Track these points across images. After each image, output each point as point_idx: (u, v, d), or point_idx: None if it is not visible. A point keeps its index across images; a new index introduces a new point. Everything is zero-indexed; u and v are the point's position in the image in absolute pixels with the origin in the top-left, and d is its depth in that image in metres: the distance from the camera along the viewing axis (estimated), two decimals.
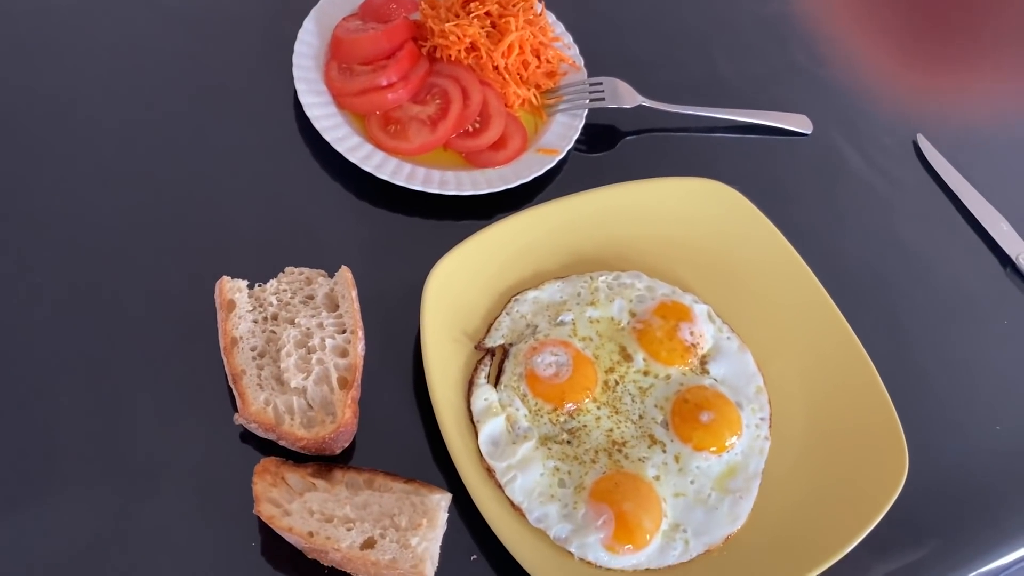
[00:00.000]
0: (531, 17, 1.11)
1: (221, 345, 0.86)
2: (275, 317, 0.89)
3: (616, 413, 0.90)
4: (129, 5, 1.12)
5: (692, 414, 0.89)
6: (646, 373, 0.92)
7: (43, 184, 0.96)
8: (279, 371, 0.85)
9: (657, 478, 0.86)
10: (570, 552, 0.81)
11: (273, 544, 0.79)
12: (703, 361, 0.95)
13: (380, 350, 0.90)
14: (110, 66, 1.06)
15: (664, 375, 0.93)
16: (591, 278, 0.98)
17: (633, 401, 0.91)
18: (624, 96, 1.14)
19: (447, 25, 1.07)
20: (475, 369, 0.90)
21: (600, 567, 0.82)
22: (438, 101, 1.06)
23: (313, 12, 1.12)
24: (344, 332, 0.87)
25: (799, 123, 1.23)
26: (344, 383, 0.84)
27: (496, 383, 0.90)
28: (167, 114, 1.04)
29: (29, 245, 0.91)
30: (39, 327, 0.87)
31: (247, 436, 0.84)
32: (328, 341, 0.86)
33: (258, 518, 0.76)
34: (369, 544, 0.76)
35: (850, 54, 1.37)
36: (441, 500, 0.79)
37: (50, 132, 0.99)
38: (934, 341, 1.08)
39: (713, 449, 0.88)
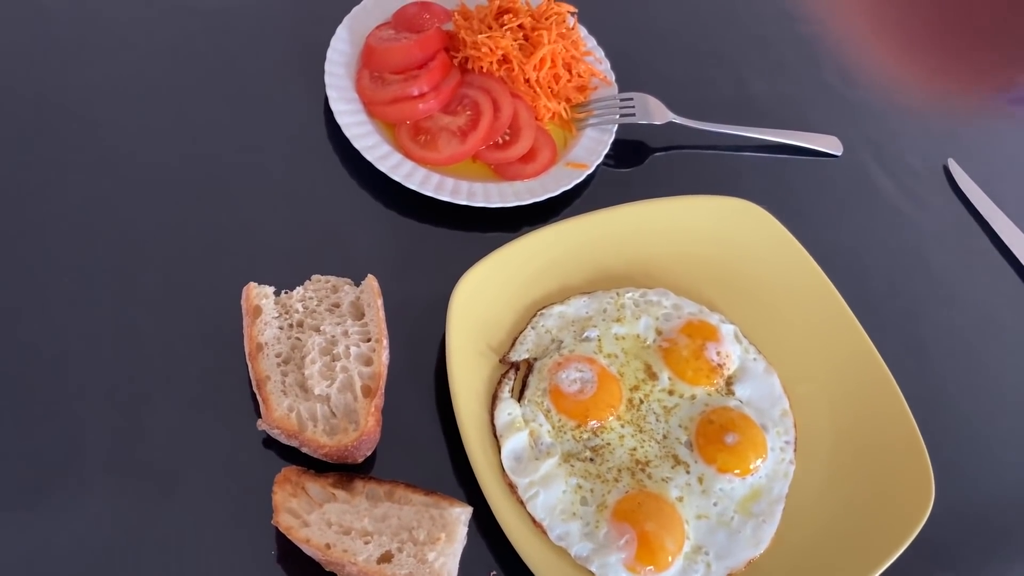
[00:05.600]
0: (563, 31, 1.11)
1: (246, 351, 0.86)
2: (300, 324, 0.88)
3: (640, 432, 0.89)
4: (161, 8, 1.13)
5: (717, 435, 0.88)
6: (671, 392, 0.92)
7: (71, 188, 0.96)
8: (303, 378, 0.84)
9: (680, 499, 0.85)
10: (591, 571, 0.81)
11: (291, 554, 0.78)
12: (729, 382, 0.94)
13: (404, 360, 0.90)
14: (140, 69, 1.07)
15: (689, 395, 0.92)
16: (617, 294, 0.97)
17: (657, 420, 0.90)
18: (654, 112, 1.14)
19: (480, 37, 1.08)
20: (499, 383, 0.90)
21: None
22: (468, 112, 1.06)
23: (346, 20, 1.12)
24: (369, 341, 0.87)
25: (829, 144, 1.23)
26: (368, 391, 0.84)
27: (520, 398, 0.90)
28: (197, 119, 1.04)
29: (57, 248, 0.92)
30: (66, 330, 0.87)
31: (270, 442, 0.84)
32: (353, 349, 0.86)
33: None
34: (386, 558, 0.76)
35: (882, 76, 1.37)
36: (461, 514, 0.79)
37: (79, 136, 1.00)
38: (962, 368, 1.06)
39: (737, 471, 0.87)
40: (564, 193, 1.04)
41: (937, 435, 0.92)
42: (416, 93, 1.05)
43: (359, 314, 0.90)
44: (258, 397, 0.83)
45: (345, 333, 0.87)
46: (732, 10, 1.38)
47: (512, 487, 0.84)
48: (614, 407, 0.89)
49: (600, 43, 1.19)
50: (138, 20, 1.11)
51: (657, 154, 1.16)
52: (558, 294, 0.97)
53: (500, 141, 1.07)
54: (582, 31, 1.18)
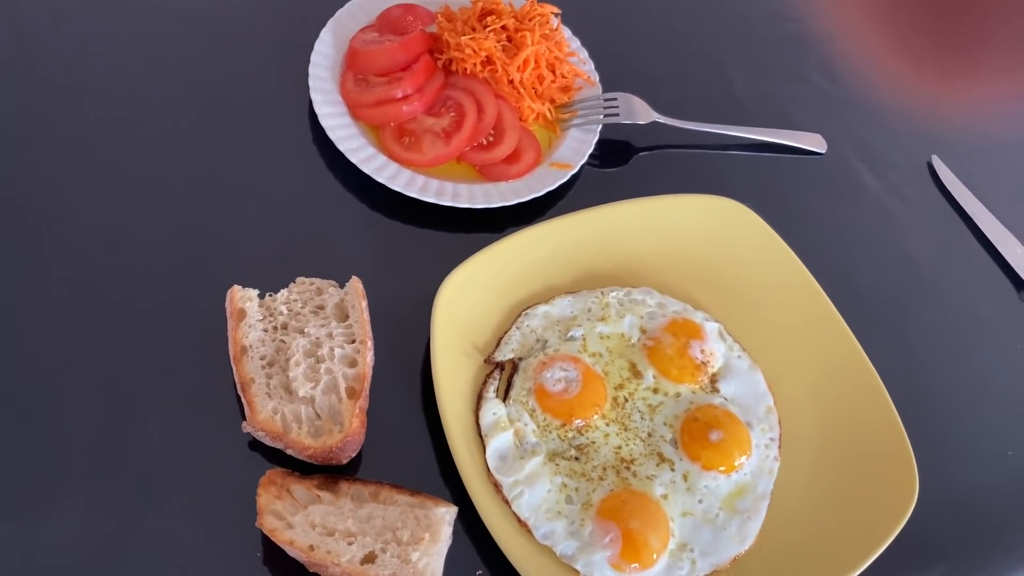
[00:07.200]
0: (547, 32, 1.12)
1: (231, 353, 0.86)
2: (285, 326, 0.88)
3: (625, 430, 0.89)
4: (146, 11, 1.13)
5: (701, 433, 0.88)
6: (656, 390, 0.92)
7: (56, 190, 0.96)
8: (288, 380, 0.84)
9: (665, 496, 0.85)
10: (576, 570, 0.81)
11: (276, 556, 0.78)
12: (713, 380, 0.94)
13: (389, 361, 0.90)
14: (124, 72, 1.07)
15: (674, 393, 0.92)
16: (602, 294, 0.97)
17: (642, 418, 0.90)
18: (638, 112, 1.14)
19: (463, 38, 1.08)
20: (484, 383, 0.90)
21: None
22: (452, 114, 1.06)
23: (330, 23, 1.12)
24: (353, 342, 0.87)
25: (813, 142, 1.23)
26: (352, 393, 0.84)
27: (505, 397, 0.90)
28: (181, 121, 1.05)
29: (41, 251, 0.92)
30: (50, 333, 0.87)
31: (255, 444, 0.84)
32: (337, 351, 0.86)
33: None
34: (369, 559, 0.76)
35: (866, 74, 1.37)
36: (446, 514, 0.79)
37: (64, 138, 1.00)
38: (946, 364, 1.07)
39: (722, 468, 0.87)
40: (549, 193, 1.05)
41: (921, 429, 0.92)
42: (400, 95, 1.05)
43: (343, 316, 0.90)
44: (243, 400, 0.83)
45: (330, 335, 0.87)
46: (715, 9, 1.39)
47: (497, 486, 0.84)
48: (599, 406, 0.89)
49: (584, 43, 1.19)
50: (122, 21, 1.11)
51: (641, 154, 1.17)
52: (543, 294, 0.98)
53: (484, 142, 1.07)
54: (566, 32, 1.18)
